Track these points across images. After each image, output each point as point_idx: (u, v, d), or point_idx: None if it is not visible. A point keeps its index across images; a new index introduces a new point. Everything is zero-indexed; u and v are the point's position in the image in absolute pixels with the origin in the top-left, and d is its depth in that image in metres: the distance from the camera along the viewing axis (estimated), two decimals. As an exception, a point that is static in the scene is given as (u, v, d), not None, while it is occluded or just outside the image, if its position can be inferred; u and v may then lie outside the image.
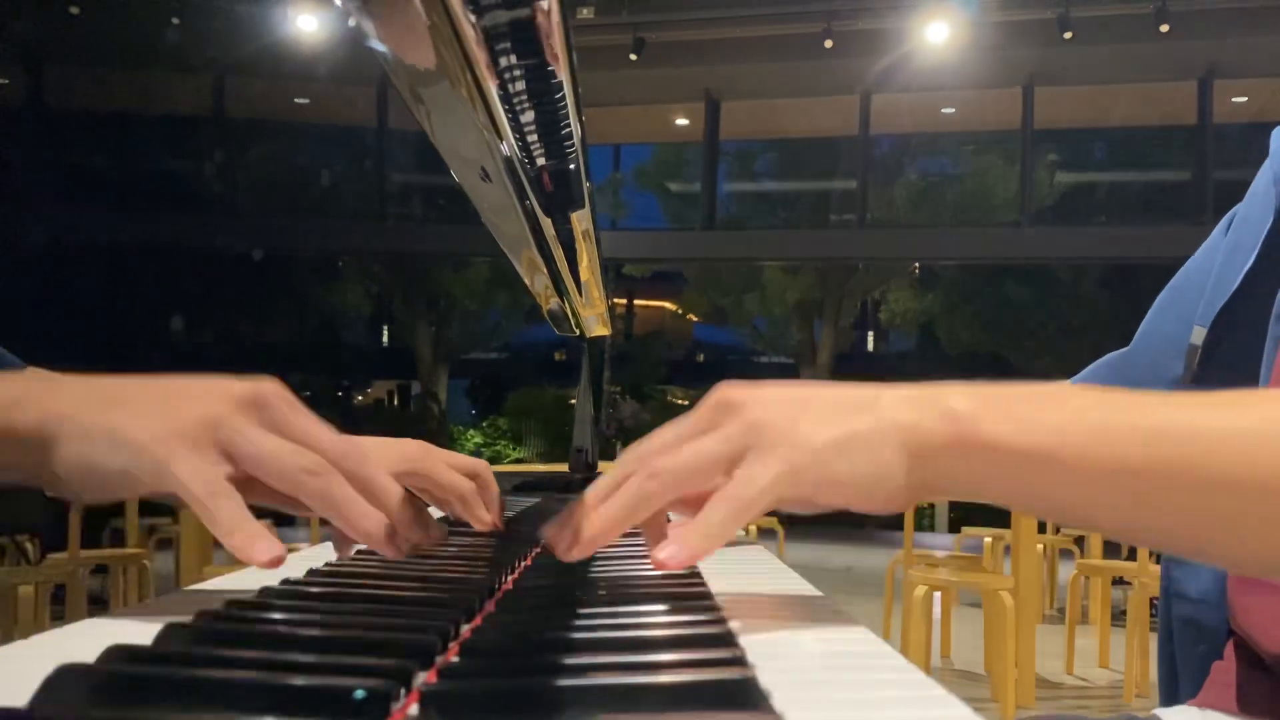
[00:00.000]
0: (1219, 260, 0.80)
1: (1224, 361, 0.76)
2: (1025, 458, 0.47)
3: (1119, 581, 4.70)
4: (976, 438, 0.48)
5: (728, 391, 0.51)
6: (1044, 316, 13.94)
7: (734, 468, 0.48)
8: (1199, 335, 0.77)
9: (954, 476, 0.49)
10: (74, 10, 11.01)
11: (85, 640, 0.43)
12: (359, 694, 0.31)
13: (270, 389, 0.52)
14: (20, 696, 0.31)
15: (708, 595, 0.52)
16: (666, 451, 0.50)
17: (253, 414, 0.51)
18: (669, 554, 0.48)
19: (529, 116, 0.65)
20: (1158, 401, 0.47)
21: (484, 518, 0.87)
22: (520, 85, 0.60)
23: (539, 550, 0.75)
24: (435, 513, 0.97)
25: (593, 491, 0.52)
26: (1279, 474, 0.44)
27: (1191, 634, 0.76)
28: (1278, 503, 0.44)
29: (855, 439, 0.48)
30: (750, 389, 0.51)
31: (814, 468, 0.48)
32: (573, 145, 0.72)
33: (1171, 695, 0.79)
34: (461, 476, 0.84)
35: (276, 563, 0.47)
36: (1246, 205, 0.80)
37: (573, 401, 1.67)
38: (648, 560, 0.69)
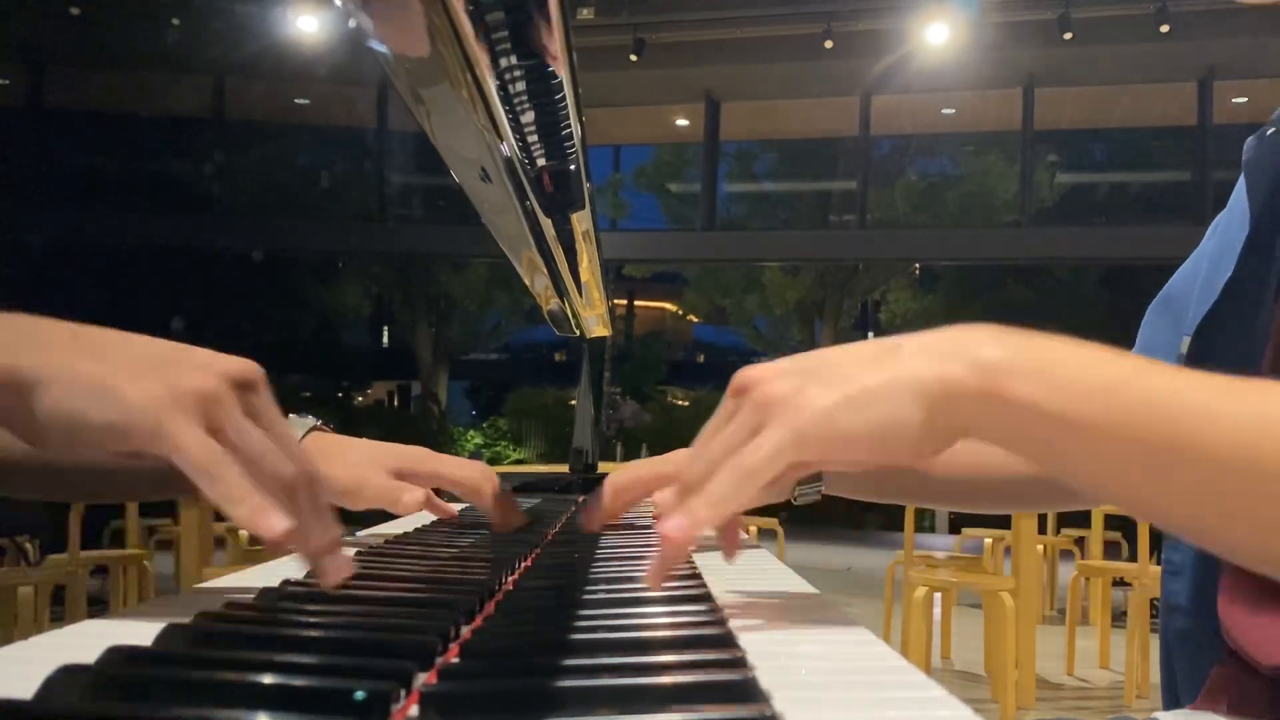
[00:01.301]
0: (1204, 268, 0.80)
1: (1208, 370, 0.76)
2: (1052, 422, 0.46)
3: (1119, 583, 4.69)
4: (1004, 393, 0.47)
5: (741, 375, 0.51)
6: (1044, 317, 13.89)
7: None
8: (1186, 345, 0.78)
9: (975, 424, 0.48)
10: (74, 10, 11.01)
11: (86, 640, 0.43)
12: (359, 695, 0.31)
13: (258, 373, 0.50)
14: (22, 696, 0.31)
15: (708, 596, 0.52)
16: (697, 458, 0.50)
17: (240, 397, 0.49)
18: (673, 525, 0.48)
19: (529, 117, 0.65)
20: (1184, 382, 0.47)
21: (490, 509, 0.92)
22: (520, 86, 0.60)
23: (540, 550, 0.75)
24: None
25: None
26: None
27: (1189, 645, 0.76)
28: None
29: (865, 394, 0.48)
30: (762, 368, 0.51)
31: (820, 427, 0.47)
32: (573, 146, 0.72)
33: (1173, 701, 0.79)
34: (470, 468, 0.91)
35: (290, 537, 0.45)
36: (1228, 214, 0.80)
37: (573, 402, 1.67)
38: (648, 560, 0.68)
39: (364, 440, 0.94)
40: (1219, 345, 0.75)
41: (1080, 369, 0.47)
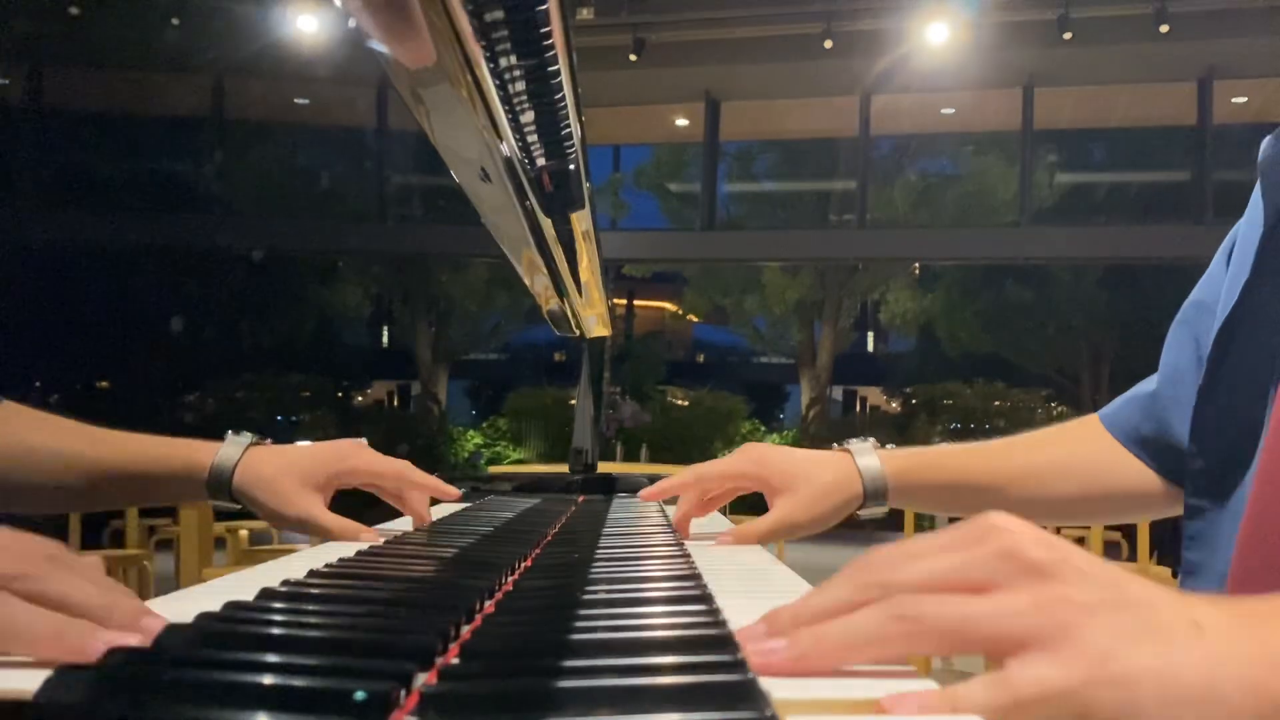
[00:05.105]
0: (1226, 283, 0.80)
1: (1228, 376, 0.75)
2: None
3: (1119, 582, 4.70)
4: None
5: (1008, 536, 0.38)
6: (1044, 317, 13.95)
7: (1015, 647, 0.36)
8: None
9: None
10: (74, 10, 11.01)
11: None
12: (359, 695, 0.31)
13: (41, 551, 0.43)
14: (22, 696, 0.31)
15: (708, 597, 0.52)
16: (934, 595, 0.38)
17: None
18: (774, 651, 0.39)
19: (529, 117, 0.65)
20: None
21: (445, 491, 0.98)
22: (520, 85, 0.60)
23: (540, 550, 0.75)
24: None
25: (820, 598, 0.40)
26: None
27: None
28: None
29: (1180, 678, 0.34)
30: (1052, 548, 0.38)
31: (1111, 705, 0.34)
32: (572, 146, 0.72)
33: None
34: (392, 463, 0.96)
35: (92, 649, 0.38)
36: (1246, 223, 0.80)
37: (573, 402, 1.67)
38: (648, 560, 0.68)
39: (298, 447, 0.95)
40: (1236, 351, 0.74)
41: None
